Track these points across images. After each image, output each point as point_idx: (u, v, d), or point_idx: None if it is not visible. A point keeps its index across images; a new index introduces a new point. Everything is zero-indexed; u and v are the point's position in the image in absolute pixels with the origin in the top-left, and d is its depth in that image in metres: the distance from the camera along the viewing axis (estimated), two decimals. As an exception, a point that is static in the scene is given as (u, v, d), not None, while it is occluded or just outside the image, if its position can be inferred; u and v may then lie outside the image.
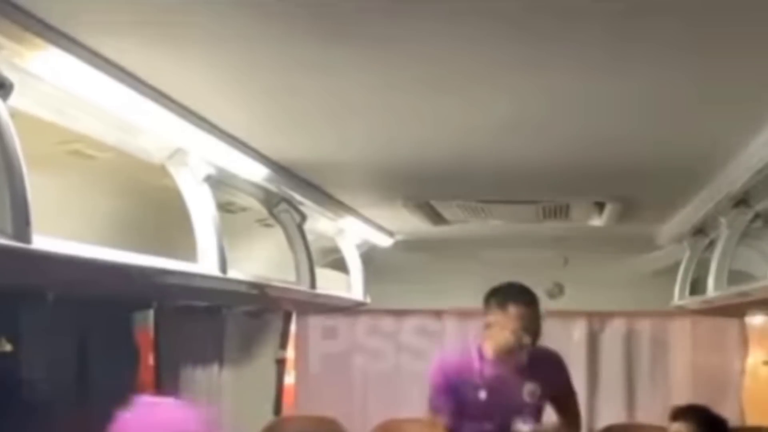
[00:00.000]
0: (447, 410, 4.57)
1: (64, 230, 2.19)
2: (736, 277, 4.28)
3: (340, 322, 7.11)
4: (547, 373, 4.68)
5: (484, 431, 4.57)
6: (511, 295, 4.49)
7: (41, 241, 1.93)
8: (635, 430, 6.44)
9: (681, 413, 4.54)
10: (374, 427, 6.55)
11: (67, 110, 2.34)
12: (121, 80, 2.21)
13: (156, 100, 2.40)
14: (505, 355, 4.51)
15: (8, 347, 3.84)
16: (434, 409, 4.64)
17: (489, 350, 4.55)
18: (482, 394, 4.54)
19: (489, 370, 4.56)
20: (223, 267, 3.07)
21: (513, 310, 4.43)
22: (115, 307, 4.19)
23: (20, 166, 1.87)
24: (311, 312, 6.25)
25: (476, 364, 4.57)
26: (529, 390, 4.58)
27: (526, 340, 4.45)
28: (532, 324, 4.47)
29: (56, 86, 2.13)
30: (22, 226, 1.85)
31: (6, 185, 1.83)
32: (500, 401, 4.55)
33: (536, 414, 4.67)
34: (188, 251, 3.09)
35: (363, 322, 7.19)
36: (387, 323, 7.26)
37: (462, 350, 4.72)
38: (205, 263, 3.05)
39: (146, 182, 3.25)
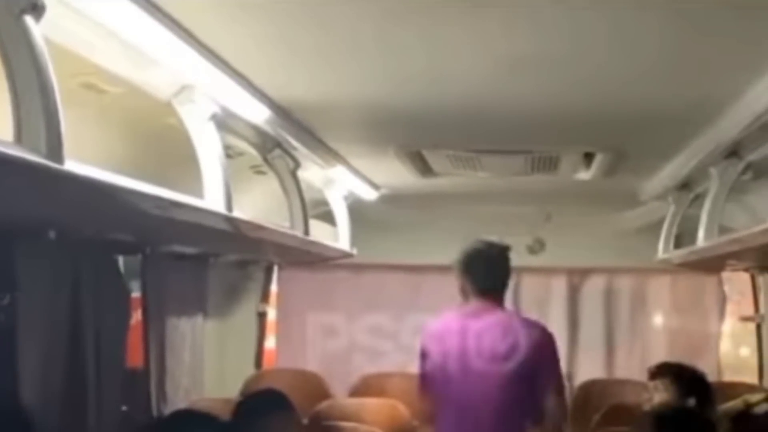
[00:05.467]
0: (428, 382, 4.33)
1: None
2: (721, 232, 4.32)
3: (321, 278, 7.12)
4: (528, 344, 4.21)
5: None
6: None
7: (72, 164, 1.94)
8: (614, 385, 6.50)
9: (657, 370, 4.60)
10: (355, 381, 6.59)
11: (82, 36, 2.33)
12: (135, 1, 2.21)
13: (168, 27, 2.40)
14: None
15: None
16: (420, 388, 4.40)
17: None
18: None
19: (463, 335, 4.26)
20: (229, 205, 3.07)
21: None
22: (107, 251, 4.18)
23: (53, 87, 1.88)
24: (300, 261, 6.24)
25: (454, 326, 4.29)
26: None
27: None
28: None
29: (74, 9, 2.12)
30: (55, 146, 1.85)
31: (40, 105, 1.84)
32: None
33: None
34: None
35: (344, 278, 7.21)
36: (369, 279, 7.29)
37: (443, 317, 4.41)
38: (210, 200, 3.05)
39: (153, 121, 3.25)
